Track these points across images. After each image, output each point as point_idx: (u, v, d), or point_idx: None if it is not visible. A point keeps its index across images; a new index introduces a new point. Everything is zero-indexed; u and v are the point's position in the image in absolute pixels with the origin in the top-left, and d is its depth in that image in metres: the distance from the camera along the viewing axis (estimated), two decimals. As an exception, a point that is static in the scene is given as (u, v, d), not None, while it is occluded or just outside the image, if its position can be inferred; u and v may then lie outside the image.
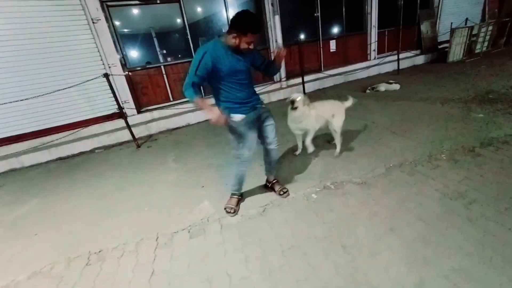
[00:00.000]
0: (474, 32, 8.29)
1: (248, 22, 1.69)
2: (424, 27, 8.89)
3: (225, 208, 2.30)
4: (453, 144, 2.90)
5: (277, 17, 6.14)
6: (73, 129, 4.59)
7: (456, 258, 1.55)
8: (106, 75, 3.97)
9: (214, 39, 1.84)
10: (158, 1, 5.44)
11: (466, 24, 8.39)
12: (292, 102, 2.55)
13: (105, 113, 4.84)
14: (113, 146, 4.63)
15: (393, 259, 1.61)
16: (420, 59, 8.84)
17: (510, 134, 2.95)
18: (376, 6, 7.67)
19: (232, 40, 1.75)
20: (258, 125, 2.13)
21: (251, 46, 1.79)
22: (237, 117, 1.95)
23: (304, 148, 2.94)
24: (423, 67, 8.27)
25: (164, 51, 10.74)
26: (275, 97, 6.29)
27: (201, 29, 9.66)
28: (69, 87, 4.20)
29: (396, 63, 7.55)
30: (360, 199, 2.23)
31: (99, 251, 2.05)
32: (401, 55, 7.70)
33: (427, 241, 1.70)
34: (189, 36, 5.43)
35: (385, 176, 2.51)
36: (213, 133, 4.51)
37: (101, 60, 4.58)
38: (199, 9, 8.46)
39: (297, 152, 3.17)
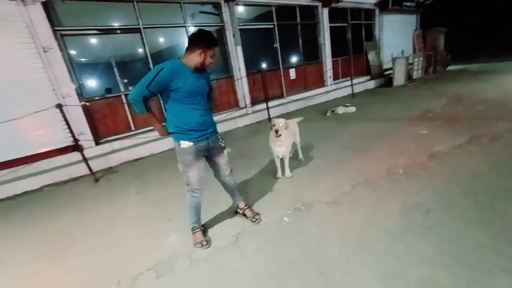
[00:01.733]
0: (410, 61, 9.60)
1: (210, 36, 1.81)
2: (371, 56, 10.05)
3: (195, 246, 2.13)
4: (406, 159, 3.17)
5: (239, 48, 6.45)
6: (15, 166, 4.07)
7: (422, 268, 1.62)
8: (59, 106, 3.69)
9: (173, 60, 1.83)
10: (118, 31, 5.39)
11: (403, 54, 9.69)
12: (276, 131, 2.74)
13: (57, 146, 4.41)
14: (66, 182, 4.18)
15: (366, 276, 1.62)
16: (371, 84, 9.85)
17: (450, 147, 3.33)
18: (328, 38, 8.52)
19: (197, 58, 1.79)
20: (209, 156, 2.09)
21: (214, 59, 1.87)
22: (185, 144, 1.88)
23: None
24: (374, 91, 9.20)
25: (125, 80, 10.48)
26: (241, 122, 6.39)
27: (164, 58, 9.73)
28: (13, 119, 3.79)
29: (350, 88, 8.28)
30: (330, 218, 2.27)
31: (44, 308, 1.74)
32: (354, 81, 8.50)
33: (395, 253, 1.76)
34: (151, 65, 5.38)
35: (351, 193, 2.61)
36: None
37: (53, 90, 4.26)
38: (161, 39, 8.56)
39: (278, 175, 3.18)
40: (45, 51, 4.13)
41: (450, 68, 12.06)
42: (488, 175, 2.58)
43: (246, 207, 2.44)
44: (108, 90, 7.67)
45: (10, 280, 2.07)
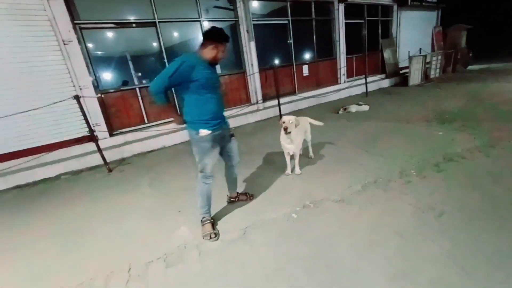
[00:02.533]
0: (428, 60, 9.29)
1: (222, 32, 1.96)
2: (387, 54, 9.79)
3: (203, 237, 2.17)
4: (420, 160, 3.10)
5: (252, 43, 6.42)
6: (35, 154, 4.24)
7: (433, 270, 1.59)
8: (76, 97, 3.80)
9: (189, 53, 1.98)
10: (134, 25, 5.47)
11: (420, 53, 9.39)
12: (285, 129, 2.75)
13: (73, 136, 4.56)
14: (82, 171, 4.33)
15: (374, 275, 1.61)
16: (386, 83, 9.61)
17: (466, 149, 3.23)
18: (343, 35, 8.36)
19: (210, 52, 1.94)
20: (222, 143, 2.23)
21: (224, 54, 2.02)
22: (204, 132, 2.01)
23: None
24: (388, 90, 8.98)
25: (140, 74, 10.66)
26: (252, 118, 6.39)
27: (178, 53, 9.81)
28: (33, 109, 3.94)
29: (364, 86, 8.12)
30: (339, 216, 2.25)
31: (61, 290, 1.83)
32: (368, 79, 8.31)
33: (405, 254, 1.74)
34: (165, 60, 5.45)
35: (361, 193, 2.58)
36: (189, 155, 4.41)
37: (72, 81, 4.40)
38: (176, 34, 8.63)
39: (288, 172, 3.18)
40: (65, 44, 4.25)
41: (471, 67, 11.61)
42: (504, 180, 2.49)
43: (240, 194, 2.68)
44: (125, 83, 7.78)
45: (30, 264, 2.18)
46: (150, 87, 1.91)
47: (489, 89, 6.67)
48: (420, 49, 9.63)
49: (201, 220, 2.27)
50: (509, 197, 2.22)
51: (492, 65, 11.45)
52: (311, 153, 3.58)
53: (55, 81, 4.27)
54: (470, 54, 11.35)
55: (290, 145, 2.92)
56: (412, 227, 2.00)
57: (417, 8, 10.45)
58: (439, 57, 9.69)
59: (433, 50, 11.17)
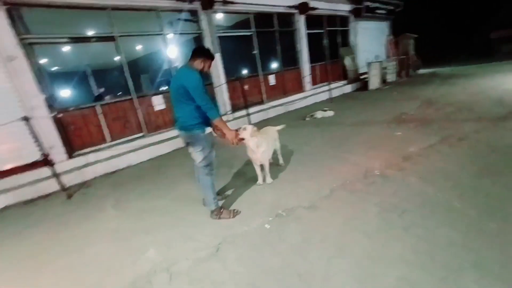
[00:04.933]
0: (384, 65, 10.06)
1: (209, 51, 2.43)
2: (347, 62, 10.41)
3: (230, 218, 2.51)
4: (382, 161, 3.28)
5: (218, 55, 6.44)
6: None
7: (399, 268, 1.66)
8: (25, 118, 3.48)
9: (187, 67, 2.35)
10: (92, 40, 5.22)
11: (377, 59, 10.14)
12: (239, 138, 2.67)
13: (24, 161, 4.13)
14: (37, 199, 3.93)
15: (346, 280, 1.64)
16: (348, 88, 10.18)
17: (421, 148, 3.49)
18: (306, 45, 8.74)
19: (199, 65, 2.35)
20: None
21: (209, 69, 2.46)
22: (208, 129, 2.47)
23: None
24: (351, 95, 9.52)
25: (102, 89, 10.13)
26: (222, 129, 6.33)
27: (141, 67, 9.54)
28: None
29: (328, 92, 8.51)
30: (310, 223, 2.28)
31: None
32: (332, 85, 8.74)
33: (373, 255, 1.80)
34: (127, 74, 5.23)
35: (329, 197, 2.65)
36: (157, 172, 4.25)
37: (20, 101, 4.02)
38: (138, 47, 8.40)
39: (259, 182, 3.16)
40: (9, 61, 3.89)
41: (421, 71, 12.78)
42: (457, 174, 2.72)
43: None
44: (99, 97, 6.84)
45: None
46: (205, 105, 2.24)
47: (437, 91, 7.35)
48: (377, 56, 10.41)
49: (215, 210, 2.52)
50: (458, 191, 2.41)
51: (438, 69, 12.71)
52: (281, 161, 3.62)
53: None
54: (419, 60, 12.54)
55: (255, 155, 2.90)
56: (378, 227, 2.08)
57: (371, 19, 11.32)
58: (394, 63, 10.55)
59: (387, 57, 12.15)
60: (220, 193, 3.01)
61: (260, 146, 2.86)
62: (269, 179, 3.15)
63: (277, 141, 3.42)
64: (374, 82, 9.69)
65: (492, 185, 2.43)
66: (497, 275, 1.52)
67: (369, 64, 9.48)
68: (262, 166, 3.10)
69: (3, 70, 3.86)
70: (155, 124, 5.65)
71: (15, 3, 3.99)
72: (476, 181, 2.54)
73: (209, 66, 2.44)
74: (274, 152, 3.41)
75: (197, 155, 2.42)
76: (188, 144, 2.45)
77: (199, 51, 2.37)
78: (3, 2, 3.79)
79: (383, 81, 10.08)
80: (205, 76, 2.50)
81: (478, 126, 3.96)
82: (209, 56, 2.40)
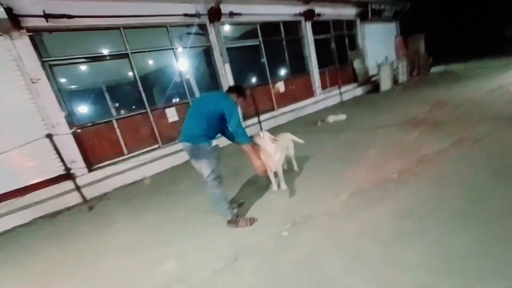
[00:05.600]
0: (394, 66, 9.91)
1: (241, 89, 2.68)
2: (356, 64, 10.35)
3: (247, 226, 2.56)
4: (396, 166, 3.22)
5: (227, 65, 6.60)
6: (5, 200, 3.98)
7: (416, 275, 1.63)
8: (49, 136, 3.69)
9: (229, 96, 2.55)
10: (107, 58, 5.48)
11: (387, 61, 10.01)
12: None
13: (49, 176, 4.35)
14: (60, 212, 4.11)
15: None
16: (359, 91, 10.08)
17: (435, 152, 3.40)
18: (314, 51, 8.78)
19: (234, 98, 2.57)
20: None
21: (241, 103, 2.70)
22: (214, 143, 2.52)
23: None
24: (362, 97, 9.41)
25: (117, 104, 10.53)
26: (234, 138, 6.41)
27: (153, 80, 9.85)
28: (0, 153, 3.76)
29: (339, 96, 8.46)
30: (326, 230, 2.27)
31: None
32: (342, 89, 8.69)
33: (389, 262, 1.77)
34: (140, 88, 5.45)
35: (345, 204, 2.63)
36: (172, 183, 4.35)
37: (43, 120, 4.26)
38: (149, 62, 8.70)
39: (274, 189, 3.20)
40: (33, 82, 4.16)
41: (433, 70, 12.47)
42: (472, 178, 2.63)
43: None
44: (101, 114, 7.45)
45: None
46: (238, 130, 2.38)
47: (450, 91, 7.15)
48: (386, 57, 10.28)
49: (231, 220, 2.55)
50: (472, 195, 2.33)
51: (450, 68, 12.37)
52: (295, 167, 3.65)
53: (25, 121, 4.12)
54: (430, 59, 12.26)
55: (271, 162, 2.90)
56: (394, 233, 2.05)
57: (378, 22, 11.25)
58: (404, 63, 10.37)
59: (397, 58, 11.97)
60: (234, 201, 3.06)
61: (277, 152, 2.89)
62: (283, 186, 3.16)
63: (290, 148, 3.46)
64: (385, 84, 9.55)
65: (508, 189, 2.33)
66: (523, 282, 1.46)
67: (379, 66, 9.38)
68: (275, 173, 3.12)
69: (29, 92, 4.13)
70: (169, 135, 5.81)
71: (37, 29, 4.28)
72: (491, 185, 2.44)
73: (243, 100, 2.69)
74: (289, 160, 3.45)
75: (204, 168, 2.43)
76: (193, 157, 2.46)
77: (235, 88, 2.66)
78: (26, 29, 4.08)
79: (395, 82, 9.92)
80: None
81: (491, 127, 3.81)
82: (242, 93, 2.65)
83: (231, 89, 2.66)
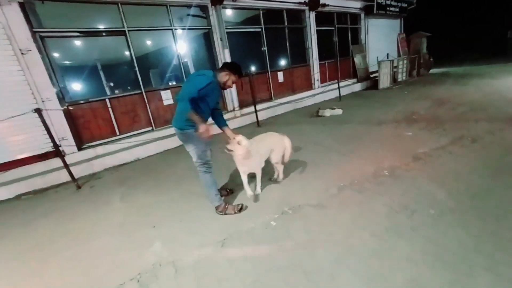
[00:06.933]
0: (395, 64, 9.85)
1: (237, 67, 2.43)
2: (357, 59, 10.23)
3: (234, 213, 2.51)
4: (392, 161, 3.22)
5: (227, 51, 6.43)
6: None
7: (407, 269, 1.63)
8: (38, 110, 3.54)
9: (210, 72, 2.35)
10: (103, 34, 5.27)
11: (388, 58, 9.92)
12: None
13: (36, 152, 4.23)
14: (46, 189, 4.01)
15: (353, 280, 1.61)
16: (357, 87, 10.02)
17: (432, 149, 3.41)
18: (315, 42, 8.63)
19: (223, 77, 2.38)
20: None
21: (233, 85, 2.48)
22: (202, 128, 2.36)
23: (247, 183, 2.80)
24: (360, 93, 9.37)
25: (111, 83, 10.26)
26: (230, 125, 6.30)
27: (151, 62, 9.59)
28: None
29: (337, 90, 8.40)
30: (317, 221, 2.26)
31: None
32: (341, 84, 8.62)
33: (381, 256, 1.77)
34: (136, 69, 5.27)
35: (338, 196, 2.62)
36: (166, 166, 4.28)
37: (33, 94, 4.10)
38: (148, 42, 8.44)
39: (248, 193, 2.79)
40: (23, 54, 3.97)
41: (433, 71, 12.47)
42: (469, 175, 2.65)
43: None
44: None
45: (-19, 296, 1.95)
46: (179, 96, 2.18)
47: (449, 91, 7.17)
48: (388, 54, 10.19)
49: (219, 206, 2.52)
50: (470, 193, 2.35)
51: (450, 69, 12.39)
52: (279, 177, 3.06)
53: (13, 94, 3.95)
54: (431, 59, 12.23)
55: (243, 167, 2.65)
56: (386, 227, 2.04)
57: (382, 16, 11.09)
58: (405, 62, 10.31)
59: (399, 55, 11.90)
60: (224, 188, 3.02)
61: (251, 157, 2.52)
62: (258, 189, 2.85)
63: (275, 151, 2.82)
64: (384, 81, 9.50)
65: (506, 188, 2.35)
66: (511, 280, 1.47)
67: (379, 63, 9.30)
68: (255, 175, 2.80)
69: (18, 63, 3.94)
70: (163, 118, 5.70)
71: (29, -4, 4.05)
72: (488, 183, 2.47)
73: (234, 82, 2.45)
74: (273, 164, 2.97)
75: (192, 153, 2.44)
76: (183, 141, 2.46)
77: (228, 64, 2.43)
78: (17, -5, 3.86)
79: (394, 80, 9.88)
80: (222, 89, 2.50)
81: (491, 127, 3.84)
82: (235, 71, 2.41)
83: (223, 66, 2.44)
